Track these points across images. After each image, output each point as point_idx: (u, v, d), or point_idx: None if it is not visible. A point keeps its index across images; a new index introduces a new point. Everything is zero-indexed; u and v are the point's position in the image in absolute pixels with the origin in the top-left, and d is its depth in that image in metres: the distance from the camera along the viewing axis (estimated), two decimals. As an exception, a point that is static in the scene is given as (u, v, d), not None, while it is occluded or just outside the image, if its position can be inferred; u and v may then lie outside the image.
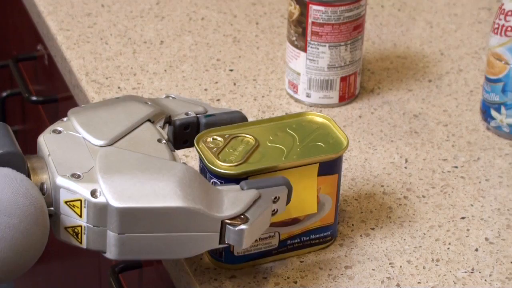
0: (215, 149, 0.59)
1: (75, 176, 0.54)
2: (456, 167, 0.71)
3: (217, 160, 0.58)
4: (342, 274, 0.60)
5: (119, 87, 0.78)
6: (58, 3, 0.89)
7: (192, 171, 0.56)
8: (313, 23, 0.74)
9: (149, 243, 0.54)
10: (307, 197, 0.60)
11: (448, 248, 0.63)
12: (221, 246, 0.56)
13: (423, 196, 0.68)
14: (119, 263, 0.76)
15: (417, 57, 0.83)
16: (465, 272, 0.61)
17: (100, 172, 0.54)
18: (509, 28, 0.71)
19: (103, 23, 0.86)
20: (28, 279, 1.23)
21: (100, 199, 0.53)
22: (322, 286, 0.60)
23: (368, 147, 0.73)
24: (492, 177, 0.70)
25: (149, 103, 0.61)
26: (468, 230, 0.65)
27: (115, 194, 0.53)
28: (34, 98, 0.97)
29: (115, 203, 0.53)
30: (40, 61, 1.00)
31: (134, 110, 0.59)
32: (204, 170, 0.59)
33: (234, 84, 0.79)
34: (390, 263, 0.62)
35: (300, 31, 0.75)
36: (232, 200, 0.55)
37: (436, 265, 0.62)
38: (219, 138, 0.60)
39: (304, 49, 0.75)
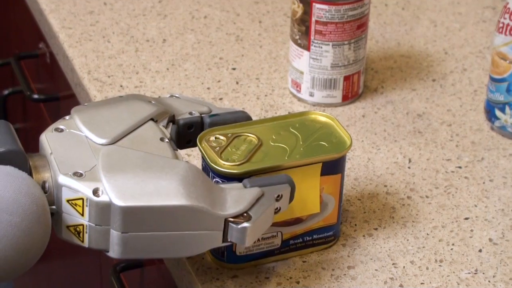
0: (217, 148, 0.59)
1: (77, 175, 0.54)
2: (460, 167, 0.70)
3: (219, 159, 0.58)
4: (345, 274, 0.60)
5: (121, 86, 0.78)
6: (60, 1, 0.89)
7: (195, 169, 0.55)
8: (316, 21, 0.73)
9: (152, 242, 0.54)
10: (310, 197, 0.60)
11: (452, 249, 0.63)
12: (224, 244, 0.55)
13: (427, 197, 0.67)
14: (120, 262, 0.75)
15: (421, 56, 0.83)
16: (469, 273, 0.61)
17: (103, 171, 0.54)
18: (513, 28, 0.71)
19: (106, 21, 0.86)
20: (29, 278, 1.23)
21: (102, 198, 0.53)
22: (324, 286, 0.59)
23: (372, 146, 0.72)
24: (496, 177, 0.69)
25: (153, 102, 0.61)
26: (471, 230, 0.64)
27: (118, 193, 0.53)
28: (35, 96, 0.96)
29: (118, 202, 0.53)
30: (42, 59, 0.99)
31: (137, 109, 0.59)
32: (207, 169, 0.59)
33: (237, 83, 0.79)
34: (393, 264, 0.61)
35: (303, 30, 0.74)
36: (235, 198, 0.55)
37: (440, 265, 0.61)
38: (221, 137, 0.60)
39: (307, 48, 0.75)
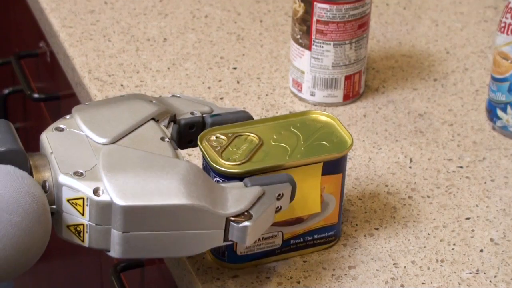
0: (218, 148, 0.59)
1: (78, 174, 0.54)
2: (461, 167, 0.70)
3: (220, 159, 0.58)
4: (345, 274, 0.60)
5: (121, 85, 0.78)
6: (61, 0, 0.89)
7: (196, 168, 0.55)
8: (317, 21, 0.73)
9: (154, 242, 0.54)
10: (310, 197, 0.60)
11: (453, 249, 0.63)
12: (225, 243, 0.55)
13: (428, 196, 0.67)
14: (120, 262, 0.75)
15: (422, 56, 0.83)
16: (470, 273, 0.61)
17: (103, 171, 0.54)
18: (515, 27, 0.70)
19: (106, 20, 0.86)
20: (29, 277, 1.23)
21: (103, 197, 0.53)
22: (325, 286, 0.59)
23: (373, 146, 0.72)
24: (497, 177, 0.69)
25: (154, 101, 0.61)
26: (473, 230, 0.64)
27: (119, 192, 0.53)
28: (36, 95, 0.96)
29: (120, 201, 0.52)
30: (43, 58, 0.99)
31: (138, 109, 0.59)
32: (208, 168, 0.58)
33: (238, 82, 0.79)
34: (394, 264, 0.61)
35: (304, 29, 0.74)
36: (236, 197, 0.55)
37: (441, 265, 0.61)
38: (222, 137, 0.59)
39: (308, 47, 0.75)
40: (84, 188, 0.53)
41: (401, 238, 0.63)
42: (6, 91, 1.06)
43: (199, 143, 0.59)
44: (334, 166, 0.60)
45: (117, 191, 0.53)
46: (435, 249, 0.63)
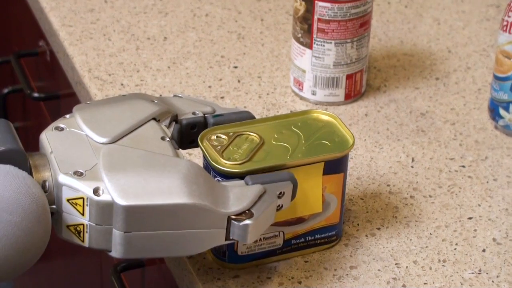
0: (219, 147, 0.58)
1: (78, 174, 0.54)
2: (463, 166, 0.70)
3: (221, 159, 0.58)
4: (347, 275, 0.60)
5: (122, 84, 0.78)
6: (61, -1, 0.88)
7: (197, 167, 0.55)
8: (319, 19, 0.73)
9: (155, 241, 0.53)
10: (312, 196, 0.59)
11: (455, 249, 0.62)
12: (227, 242, 0.55)
13: (430, 196, 0.67)
14: (121, 262, 0.75)
15: (424, 55, 0.83)
16: (472, 273, 0.60)
17: (104, 170, 0.53)
18: (517, 26, 0.70)
19: (106, 19, 0.86)
20: (29, 277, 1.23)
21: (103, 197, 0.53)
22: (327, 286, 0.59)
23: (374, 145, 0.72)
24: (500, 176, 0.69)
25: (156, 101, 0.60)
26: (475, 230, 0.64)
27: (120, 192, 0.52)
28: (35, 94, 0.96)
29: (121, 201, 0.52)
30: (42, 57, 0.99)
31: (139, 108, 0.59)
32: (208, 168, 0.58)
33: (239, 81, 0.79)
34: (396, 264, 0.61)
35: (305, 28, 0.74)
36: (238, 195, 0.55)
37: (443, 265, 0.61)
38: (223, 136, 0.59)
39: (309, 46, 0.74)
40: (84, 188, 0.53)
41: (403, 238, 0.63)
42: (5, 90, 1.06)
43: (199, 143, 0.59)
44: (336, 166, 0.59)
45: (118, 191, 0.53)
46: (437, 249, 0.62)
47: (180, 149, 0.59)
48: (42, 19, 0.89)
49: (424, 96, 0.78)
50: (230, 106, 0.75)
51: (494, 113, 0.74)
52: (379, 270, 0.60)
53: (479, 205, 0.66)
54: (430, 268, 0.61)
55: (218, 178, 0.58)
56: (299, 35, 0.75)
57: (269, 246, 0.60)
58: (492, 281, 0.60)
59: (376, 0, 0.90)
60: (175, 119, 0.61)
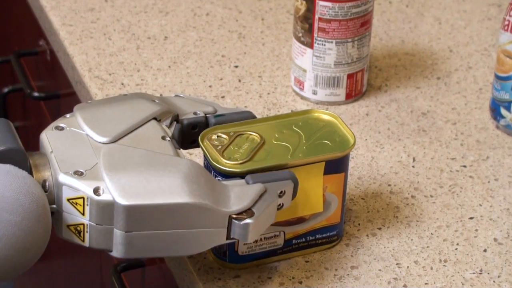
0: (219, 147, 0.58)
1: (78, 174, 0.53)
2: (464, 166, 0.70)
3: (221, 158, 0.57)
4: (348, 275, 0.60)
5: (122, 83, 0.77)
6: (61, -2, 0.88)
7: (198, 166, 0.55)
8: (319, 19, 0.73)
9: (157, 241, 0.53)
10: (313, 196, 0.59)
11: (456, 249, 0.62)
12: (228, 241, 0.55)
13: (431, 196, 0.67)
14: (121, 262, 0.75)
15: (425, 54, 0.82)
16: (473, 273, 0.60)
17: (105, 170, 0.53)
18: (519, 25, 0.70)
19: (107, 19, 0.86)
20: (29, 277, 1.23)
21: (103, 197, 0.53)
22: (327, 286, 0.59)
23: (375, 145, 0.72)
24: (501, 176, 0.69)
25: (157, 101, 0.60)
26: (476, 230, 0.64)
27: (121, 191, 0.52)
28: (36, 94, 0.96)
29: (122, 200, 0.52)
30: (42, 56, 0.99)
31: (140, 108, 0.59)
32: (209, 168, 0.58)
33: (239, 80, 0.78)
34: (397, 264, 0.61)
35: (306, 27, 0.74)
36: (239, 194, 0.55)
37: (444, 265, 0.61)
38: (224, 136, 0.59)
39: (310, 46, 0.74)
40: (84, 188, 0.53)
41: (404, 238, 0.63)
42: (5, 90, 1.05)
43: (200, 142, 0.59)
44: (337, 165, 0.59)
45: (119, 191, 0.52)
46: (438, 249, 0.62)
47: (181, 149, 0.59)
48: (42, 18, 0.89)
49: (425, 95, 0.78)
50: (231, 105, 0.75)
51: (495, 113, 0.74)
52: (380, 270, 0.60)
53: (480, 205, 0.66)
54: (431, 268, 0.61)
55: (218, 178, 0.57)
56: (300, 35, 0.75)
57: (270, 246, 0.60)
58: (493, 281, 0.60)
59: (377, -1, 0.90)
60: (176, 119, 0.61)
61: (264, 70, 0.80)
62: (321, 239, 0.61)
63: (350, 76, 0.75)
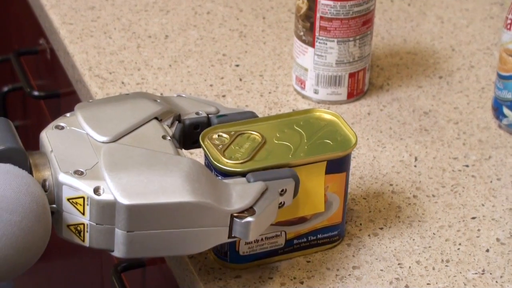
0: (220, 146, 0.58)
1: (78, 173, 0.53)
2: (467, 165, 0.70)
3: (222, 158, 0.57)
4: (349, 275, 0.59)
5: (122, 82, 0.77)
6: (61, -3, 0.88)
7: (199, 165, 0.55)
8: (321, 17, 0.72)
9: (158, 240, 0.53)
10: (314, 196, 0.59)
11: (458, 249, 0.62)
12: (229, 240, 0.55)
13: (433, 196, 0.66)
14: (121, 262, 0.75)
15: (427, 53, 0.82)
16: (476, 273, 0.60)
17: (105, 169, 0.53)
18: (522, 24, 0.70)
19: (107, 17, 0.85)
20: (29, 277, 1.23)
21: (104, 197, 0.52)
22: (329, 286, 0.59)
23: (377, 145, 0.71)
24: (504, 176, 0.68)
25: (158, 100, 0.60)
26: (479, 230, 0.64)
27: (123, 191, 0.52)
28: (36, 93, 0.96)
29: (124, 200, 0.52)
30: (42, 55, 0.99)
31: (141, 107, 0.58)
32: (210, 167, 0.58)
33: (240, 79, 0.78)
34: (398, 264, 0.61)
35: (308, 26, 0.74)
36: (240, 193, 0.54)
37: (446, 266, 0.61)
38: (224, 135, 0.59)
39: (312, 45, 0.74)
40: (85, 187, 0.53)
41: (406, 238, 0.63)
42: (5, 89, 1.05)
43: (201, 142, 0.58)
44: (338, 165, 0.59)
45: (120, 190, 0.52)
46: (440, 249, 0.62)
47: (182, 149, 0.58)
48: (42, 17, 0.89)
49: (427, 94, 0.77)
50: (232, 104, 0.75)
51: (497, 112, 0.73)
52: (381, 270, 0.60)
53: (483, 205, 0.66)
54: (433, 268, 0.60)
55: (219, 178, 0.57)
56: (301, 33, 0.74)
57: (271, 246, 0.60)
58: (496, 282, 0.60)
59: (379, -2, 0.90)
60: (178, 119, 0.60)
61: (265, 69, 0.80)
62: (323, 239, 0.61)
63: (351, 75, 0.75)
